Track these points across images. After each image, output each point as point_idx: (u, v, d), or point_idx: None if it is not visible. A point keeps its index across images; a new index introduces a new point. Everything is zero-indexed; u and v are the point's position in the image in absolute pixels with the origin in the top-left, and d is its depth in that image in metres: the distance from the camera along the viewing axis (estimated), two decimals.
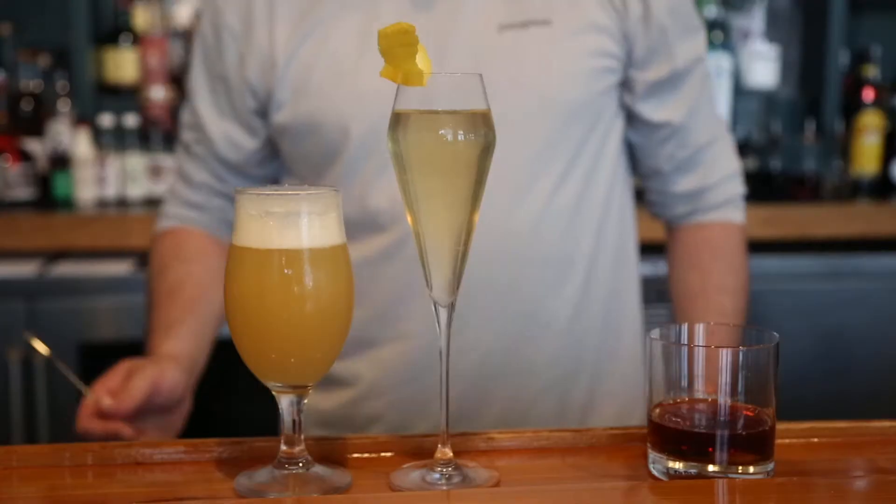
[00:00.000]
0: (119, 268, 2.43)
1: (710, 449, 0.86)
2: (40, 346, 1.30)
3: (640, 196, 1.47)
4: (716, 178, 1.41)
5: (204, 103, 1.39)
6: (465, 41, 1.28)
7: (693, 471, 0.86)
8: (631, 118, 1.38)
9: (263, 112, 1.36)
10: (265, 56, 1.32)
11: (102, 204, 2.74)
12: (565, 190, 1.31)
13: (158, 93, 2.91)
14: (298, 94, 1.30)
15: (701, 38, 1.38)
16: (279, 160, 1.40)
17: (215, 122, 1.39)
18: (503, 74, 1.26)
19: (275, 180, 1.44)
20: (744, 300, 1.39)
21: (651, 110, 1.36)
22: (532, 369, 1.32)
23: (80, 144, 2.74)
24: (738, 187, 1.43)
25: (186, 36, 2.97)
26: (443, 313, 0.90)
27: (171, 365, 1.22)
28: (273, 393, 0.88)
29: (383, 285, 1.30)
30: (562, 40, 1.28)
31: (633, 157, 1.42)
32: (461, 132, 0.85)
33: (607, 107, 1.33)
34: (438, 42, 1.27)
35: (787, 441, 0.97)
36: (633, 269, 1.43)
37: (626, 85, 1.35)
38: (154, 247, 1.43)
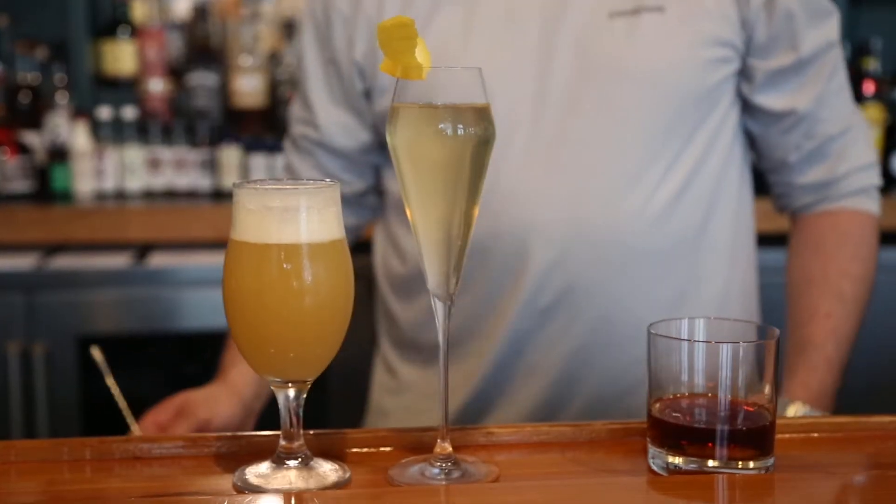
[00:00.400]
0: (117, 261, 2.42)
1: (710, 444, 0.85)
2: (100, 361, 1.27)
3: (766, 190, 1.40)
4: (846, 169, 1.33)
5: (316, 90, 1.38)
6: (574, 28, 1.24)
7: (693, 466, 0.86)
8: (749, 108, 1.32)
9: (369, 95, 1.35)
10: (371, 36, 1.30)
11: (101, 197, 2.73)
12: (671, 182, 1.26)
13: (157, 85, 2.91)
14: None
15: (833, 21, 1.30)
16: (385, 150, 1.37)
17: (327, 109, 1.38)
18: (612, 62, 1.23)
19: (377, 170, 1.43)
20: (866, 290, 1.34)
21: (772, 100, 1.30)
22: (616, 370, 1.29)
23: (79, 137, 2.73)
24: (872, 178, 1.36)
25: (184, 28, 2.97)
26: (441, 307, 0.89)
27: (229, 402, 1.21)
28: (272, 388, 0.87)
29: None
30: (675, 28, 1.24)
31: (755, 149, 1.37)
32: (460, 126, 0.84)
33: (722, 97, 1.28)
34: (547, 28, 1.25)
35: (787, 436, 0.97)
36: (746, 269, 1.37)
37: (743, 73, 1.30)
38: None
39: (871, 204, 1.36)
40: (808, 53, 1.28)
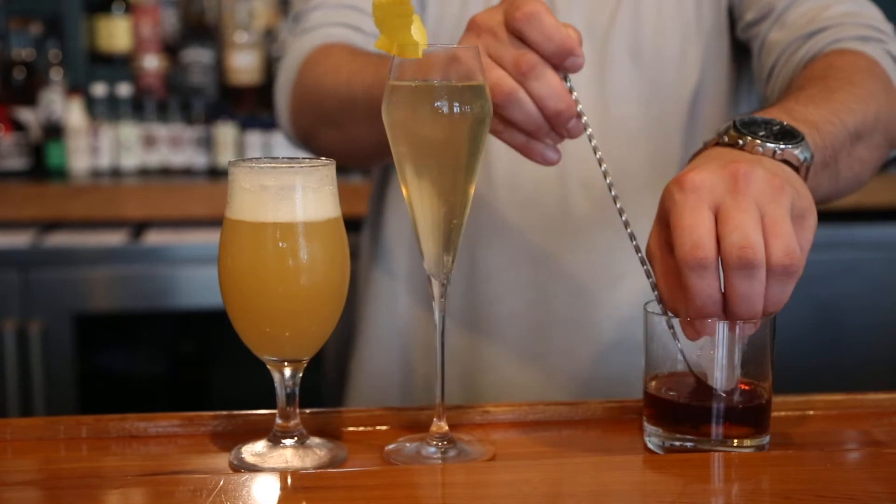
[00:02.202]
0: (113, 238, 2.42)
1: (706, 422, 0.85)
2: None
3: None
4: (837, 18, 1.18)
5: None
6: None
7: (689, 444, 0.86)
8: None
9: None
10: None
11: (96, 174, 2.73)
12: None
13: (152, 62, 2.89)
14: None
15: None
16: None
17: None
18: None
19: None
20: (871, 126, 1.05)
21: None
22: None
23: (73, 114, 2.72)
24: (877, 32, 1.17)
25: (179, 4, 2.95)
26: (436, 286, 0.89)
27: None
28: (268, 367, 0.87)
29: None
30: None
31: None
32: (456, 105, 0.84)
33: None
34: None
35: (782, 414, 0.97)
36: None
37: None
38: (310, 64, 1.26)
39: (878, 53, 1.15)
40: None
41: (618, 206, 0.91)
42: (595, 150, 0.92)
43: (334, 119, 1.22)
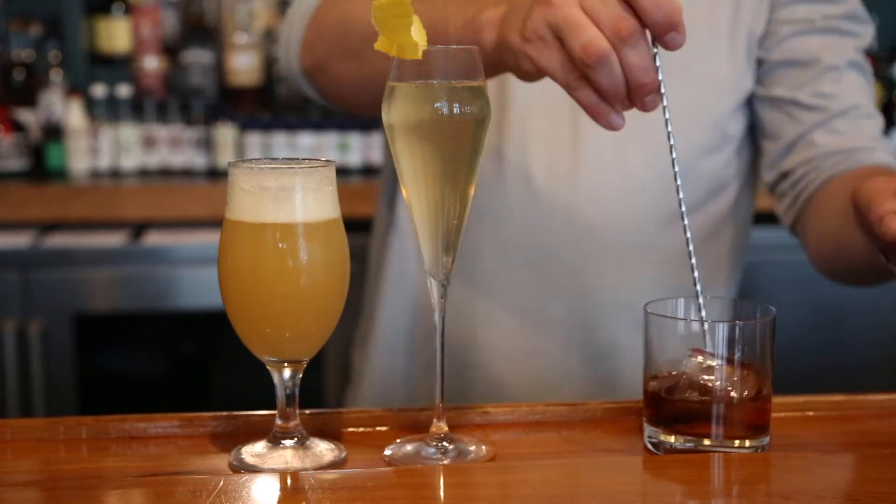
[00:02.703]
0: (113, 239, 2.42)
1: (707, 423, 0.85)
2: None
3: None
4: (865, 142, 1.25)
5: None
6: None
7: (689, 445, 0.86)
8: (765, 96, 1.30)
9: None
10: None
11: (96, 175, 2.73)
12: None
13: (151, 62, 2.89)
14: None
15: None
16: None
17: None
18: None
19: None
20: None
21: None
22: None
23: (73, 115, 2.72)
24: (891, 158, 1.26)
25: (179, 5, 2.95)
26: (436, 286, 0.89)
27: None
28: (268, 367, 0.87)
29: None
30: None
31: (765, 138, 1.32)
32: (456, 105, 0.84)
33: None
34: None
35: (782, 414, 0.97)
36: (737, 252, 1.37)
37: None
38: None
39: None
40: (844, 9, 1.27)
41: (680, 195, 0.91)
42: (667, 122, 0.91)
43: (358, 50, 1.19)
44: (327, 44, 1.24)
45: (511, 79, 1.16)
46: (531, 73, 0.96)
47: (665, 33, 0.88)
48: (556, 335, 1.30)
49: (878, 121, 1.28)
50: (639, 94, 0.89)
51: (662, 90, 0.90)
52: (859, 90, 1.28)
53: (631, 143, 1.25)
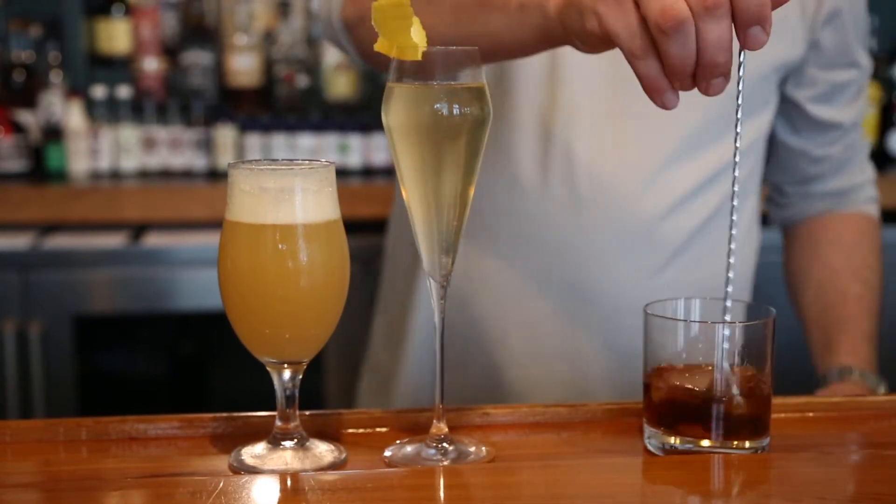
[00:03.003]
0: (113, 240, 2.42)
1: (707, 424, 0.85)
2: None
3: None
4: (862, 179, 1.40)
5: None
6: None
7: (689, 446, 0.86)
8: (797, 118, 1.36)
9: None
10: None
11: (96, 176, 2.73)
12: (699, 172, 1.29)
13: (151, 64, 2.89)
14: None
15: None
16: None
17: None
18: None
19: None
20: (881, 284, 1.37)
21: (826, 111, 1.35)
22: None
23: (73, 116, 2.72)
24: (875, 191, 1.42)
25: (179, 6, 2.95)
26: (435, 288, 0.89)
27: None
28: (268, 369, 0.87)
29: None
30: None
31: (776, 160, 1.40)
32: (456, 106, 0.84)
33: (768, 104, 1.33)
34: None
35: (782, 415, 0.97)
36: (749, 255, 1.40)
37: (802, 82, 1.34)
38: None
39: (876, 212, 1.42)
40: (864, 68, 1.35)
41: (735, 188, 0.88)
42: (738, 109, 0.86)
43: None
44: None
45: (560, 78, 1.19)
46: (594, 35, 0.87)
47: (750, 25, 0.80)
48: (592, 338, 1.30)
49: (867, 147, 1.43)
50: (708, 73, 0.82)
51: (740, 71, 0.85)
52: (861, 135, 1.41)
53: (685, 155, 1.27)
